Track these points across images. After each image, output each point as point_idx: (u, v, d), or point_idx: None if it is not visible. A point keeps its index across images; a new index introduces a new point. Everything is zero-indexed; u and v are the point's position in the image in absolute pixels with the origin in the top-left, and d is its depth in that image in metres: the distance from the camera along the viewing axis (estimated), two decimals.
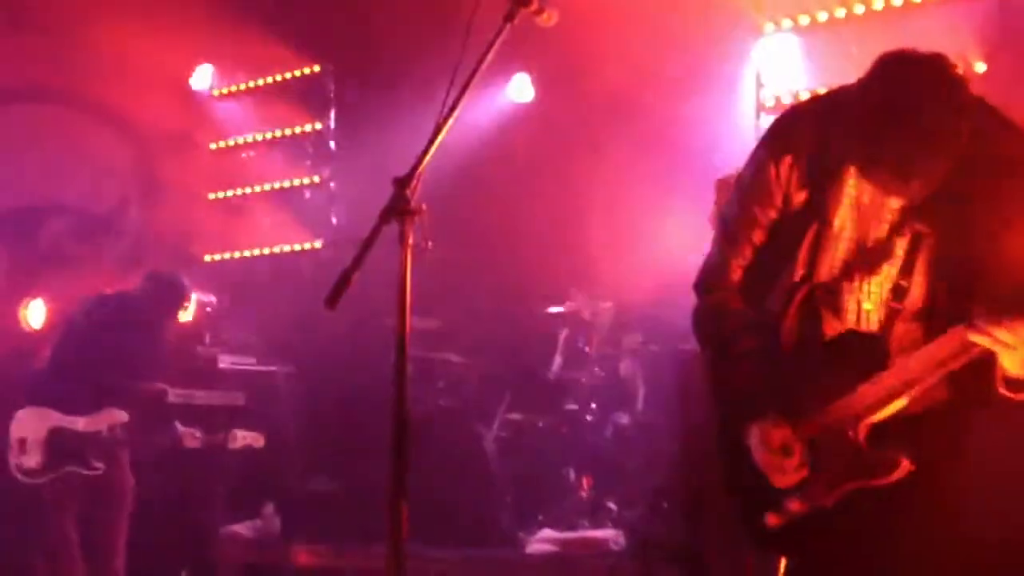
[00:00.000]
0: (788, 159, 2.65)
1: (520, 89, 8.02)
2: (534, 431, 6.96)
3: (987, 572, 4.25)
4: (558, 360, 7.21)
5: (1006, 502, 4.43)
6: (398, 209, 2.66)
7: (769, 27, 6.93)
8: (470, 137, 7.46)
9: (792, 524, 2.64)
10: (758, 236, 2.75)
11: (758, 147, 2.76)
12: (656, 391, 6.65)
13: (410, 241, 2.66)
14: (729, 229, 2.79)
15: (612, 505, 6.45)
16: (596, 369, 7.06)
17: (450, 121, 2.72)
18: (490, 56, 2.77)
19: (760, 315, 2.74)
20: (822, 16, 6.75)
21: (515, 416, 7.04)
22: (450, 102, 2.73)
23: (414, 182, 2.67)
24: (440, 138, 2.73)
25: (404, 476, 2.59)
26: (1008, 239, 2.56)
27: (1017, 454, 4.47)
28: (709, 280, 2.84)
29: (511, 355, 7.47)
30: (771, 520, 2.65)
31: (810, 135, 2.64)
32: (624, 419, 6.79)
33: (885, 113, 2.34)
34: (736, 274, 2.79)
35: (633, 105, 7.15)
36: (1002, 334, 2.36)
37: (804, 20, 6.81)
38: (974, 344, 2.42)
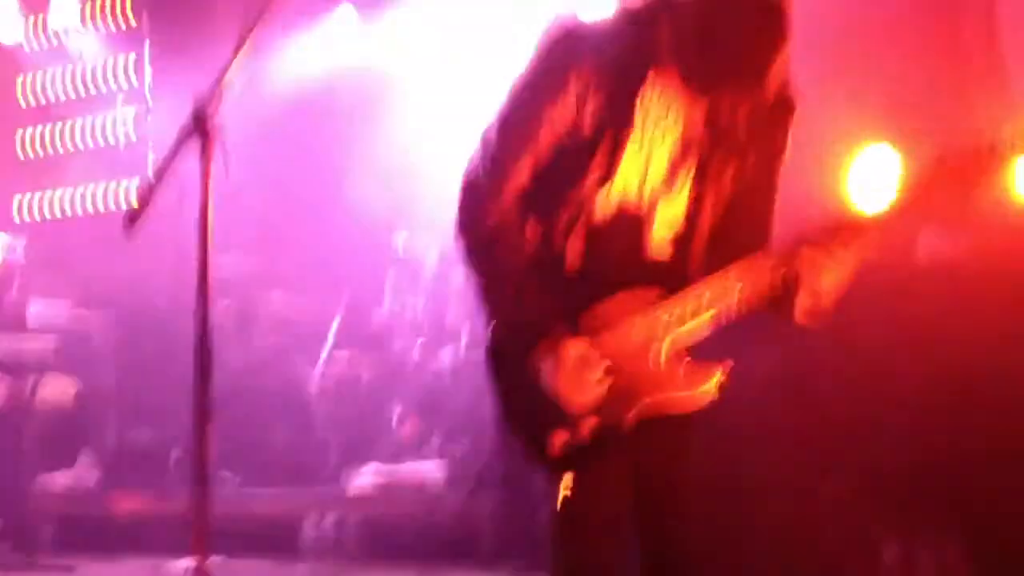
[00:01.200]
0: (579, 69, 2.47)
1: (345, 19, 7.83)
2: (360, 369, 6.92)
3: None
4: (385, 299, 7.17)
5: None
6: (198, 129, 2.55)
7: None
8: (297, 71, 7.32)
9: (580, 444, 2.50)
10: (539, 153, 2.52)
11: (541, 52, 2.53)
12: (482, 326, 6.67)
13: (212, 164, 2.52)
14: (502, 147, 2.52)
15: (437, 440, 6.49)
16: (422, 306, 7.04)
17: (248, 39, 2.59)
18: None
19: (543, 238, 2.56)
20: None
21: (341, 354, 6.98)
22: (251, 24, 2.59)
23: (215, 101, 2.55)
24: (239, 56, 2.59)
25: (207, 415, 2.49)
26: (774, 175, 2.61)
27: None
28: (479, 204, 2.54)
29: (337, 295, 7.38)
30: (557, 440, 2.49)
31: (605, 44, 2.48)
32: (451, 356, 6.82)
33: (705, 20, 2.36)
34: (510, 196, 2.53)
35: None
36: (840, 251, 2.41)
37: None
38: (801, 261, 2.43)
